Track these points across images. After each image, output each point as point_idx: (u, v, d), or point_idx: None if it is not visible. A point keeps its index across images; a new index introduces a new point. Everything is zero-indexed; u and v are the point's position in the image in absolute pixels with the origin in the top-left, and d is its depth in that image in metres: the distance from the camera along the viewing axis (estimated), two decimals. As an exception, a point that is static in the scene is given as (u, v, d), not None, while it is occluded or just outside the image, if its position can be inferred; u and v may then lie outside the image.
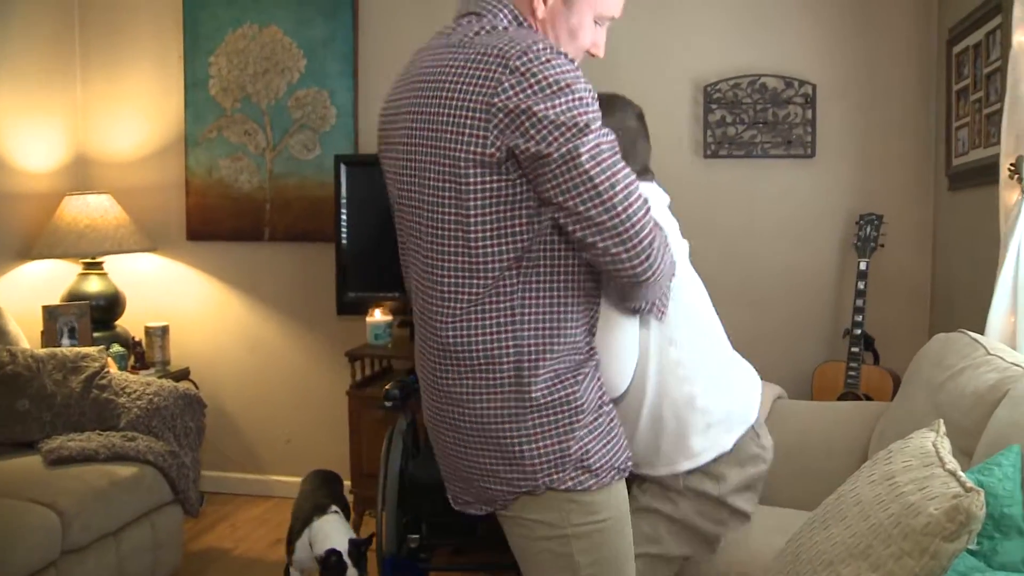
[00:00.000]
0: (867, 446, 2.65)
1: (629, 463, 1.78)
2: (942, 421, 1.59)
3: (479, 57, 1.56)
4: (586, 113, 1.52)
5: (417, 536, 2.97)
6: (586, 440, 1.67)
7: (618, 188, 1.53)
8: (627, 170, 1.56)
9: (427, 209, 1.65)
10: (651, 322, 1.98)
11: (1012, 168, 2.42)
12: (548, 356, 1.66)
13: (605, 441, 1.71)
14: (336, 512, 2.94)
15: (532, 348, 1.65)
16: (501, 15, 1.68)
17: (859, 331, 3.52)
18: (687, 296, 2.03)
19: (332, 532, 2.81)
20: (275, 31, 4.28)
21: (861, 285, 3.55)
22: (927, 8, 3.71)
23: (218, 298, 4.48)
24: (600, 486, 1.69)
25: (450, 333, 1.66)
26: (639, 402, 2.02)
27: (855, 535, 1.42)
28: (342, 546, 2.74)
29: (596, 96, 1.57)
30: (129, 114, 4.50)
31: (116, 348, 3.89)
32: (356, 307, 3.97)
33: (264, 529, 4.02)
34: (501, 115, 1.52)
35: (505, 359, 1.64)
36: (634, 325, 1.93)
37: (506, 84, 1.52)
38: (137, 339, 4.14)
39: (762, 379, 2.25)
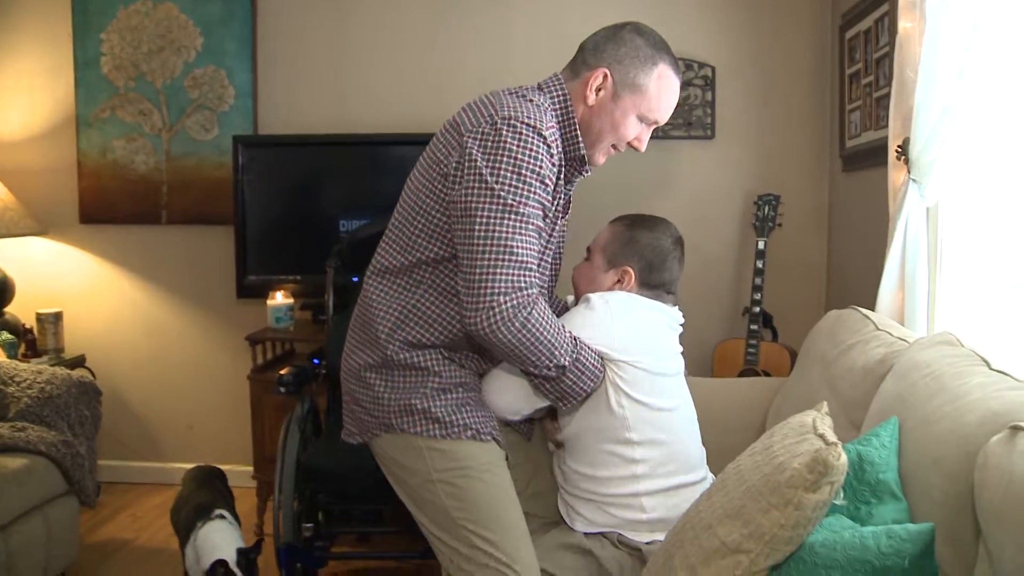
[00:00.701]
0: (764, 421, 2.72)
1: (494, 432, 2.03)
2: (826, 403, 1.64)
3: (487, 106, 1.89)
4: (511, 187, 1.79)
5: (311, 525, 2.93)
6: (434, 400, 1.98)
7: (488, 254, 1.79)
8: (513, 249, 1.80)
9: (407, 188, 2.03)
10: (609, 409, 2.05)
11: (899, 150, 2.49)
12: (416, 340, 1.98)
13: (456, 406, 2.00)
14: (222, 516, 2.77)
15: (409, 331, 1.98)
16: (554, 93, 2.00)
17: (758, 309, 3.60)
18: (658, 404, 2.07)
19: (219, 541, 2.64)
20: (170, 7, 4.15)
21: (760, 264, 3.62)
22: (821, -7, 3.79)
23: (114, 283, 4.35)
24: (450, 436, 1.96)
25: (371, 285, 2.04)
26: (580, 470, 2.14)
27: (732, 499, 1.48)
28: (230, 556, 2.58)
29: (546, 180, 1.84)
30: (15, 93, 4.32)
31: (5, 336, 3.75)
32: (256, 290, 3.92)
33: (166, 518, 3.88)
34: (462, 150, 1.84)
35: (383, 323, 1.99)
36: (522, 383, 2.05)
37: (480, 130, 1.83)
38: (28, 326, 4.00)
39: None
